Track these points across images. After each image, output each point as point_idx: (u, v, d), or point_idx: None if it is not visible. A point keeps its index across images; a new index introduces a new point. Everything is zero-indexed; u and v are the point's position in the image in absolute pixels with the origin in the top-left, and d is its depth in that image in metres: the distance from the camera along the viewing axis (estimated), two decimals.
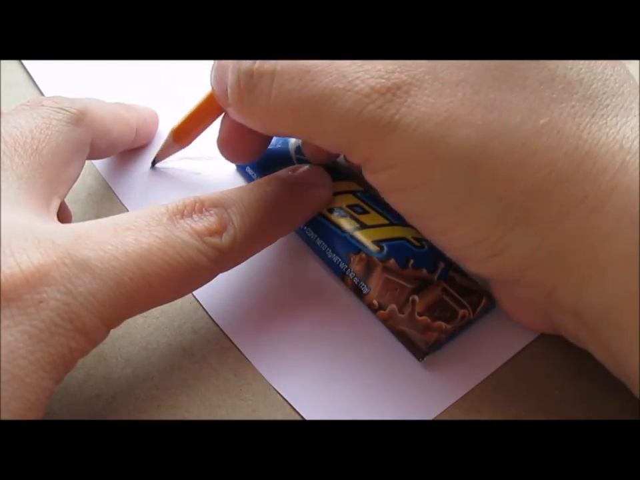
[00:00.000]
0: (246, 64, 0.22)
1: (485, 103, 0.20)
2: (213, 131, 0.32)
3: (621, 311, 0.20)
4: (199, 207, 0.23)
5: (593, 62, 0.21)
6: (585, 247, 0.20)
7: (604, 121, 0.20)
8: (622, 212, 0.20)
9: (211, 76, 0.25)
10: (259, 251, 0.25)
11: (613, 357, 0.21)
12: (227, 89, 0.24)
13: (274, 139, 0.31)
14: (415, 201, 0.22)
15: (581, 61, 0.21)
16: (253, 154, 0.28)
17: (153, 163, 0.31)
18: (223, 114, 0.27)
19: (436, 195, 0.22)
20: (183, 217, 0.23)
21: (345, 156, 0.24)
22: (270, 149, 0.30)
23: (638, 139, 0.20)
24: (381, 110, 0.21)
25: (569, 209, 0.20)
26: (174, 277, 0.22)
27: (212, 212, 0.23)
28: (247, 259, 0.25)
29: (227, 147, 0.27)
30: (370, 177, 0.23)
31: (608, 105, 0.21)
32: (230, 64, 0.23)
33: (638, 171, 0.20)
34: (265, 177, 0.26)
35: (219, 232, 0.23)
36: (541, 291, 0.22)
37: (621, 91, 0.21)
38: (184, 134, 0.29)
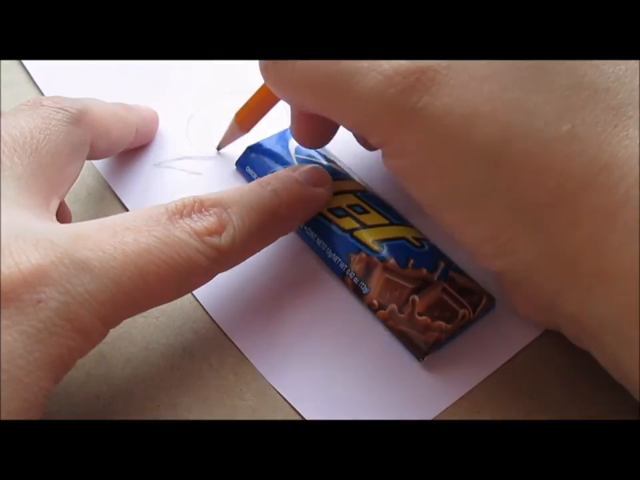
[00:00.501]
0: None
1: (511, 102, 0.20)
2: (214, 130, 0.32)
3: (626, 323, 0.20)
4: (198, 207, 0.23)
5: (622, 70, 0.21)
6: (594, 256, 0.20)
7: (625, 133, 0.20)
8: (633, 225, 0.20)
9: None
10: (258, 251, 0.25)
11: (615, 364, 0.22)
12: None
13: (274, 139, 0.31)
14: (431, 191, 0.22)
15: (610, 69, 0.21)
16: (323, 138, 0.28)
17: (218, 149, 0.32)
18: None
19: (452, 189, 0.22)
20: (182, 216, 0.23)
21: (364, 139, 0.24)
22: (270, 149, 0.30)
23: None
24: (404, 95, 0.21)
25: (582, 219, 0.20)
26: (173, 276, 0.22)
27: (211, 212, 0.23)
28: (247, 258, 0.25)
29: (298, 133, 0.28)
30: (388, 162, 0.23)
31: (632, 117, 0.21)
32: None
33: None
34: (265, 177, 0.26)
35: (218, 232, 0.23)
36: (545, 294, 0.22)
37: None
38: (246, 118, 0.30)
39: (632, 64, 0.22)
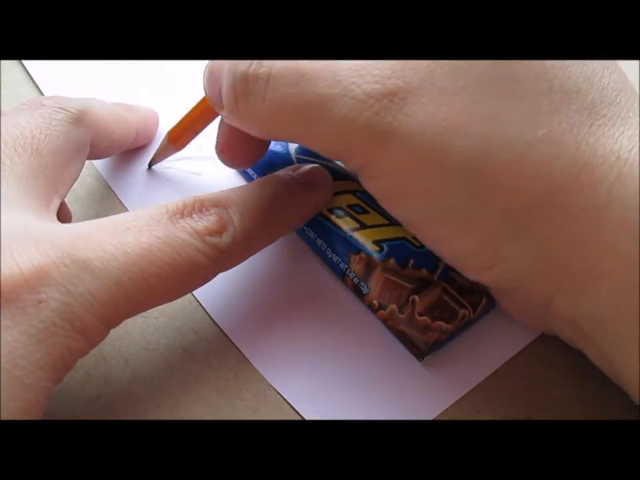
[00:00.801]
0: (242, 67, 0.22)
1: (484, 114, 0.20)
2: (214, 131, 0.32)
3: (620, 321, 0.20)
4: (198, 207, 0.23)
5: (590, 70, 0.21)
6: (583, 257, 0.20)
7: (601, 132, 0.20)
8: (620, 223, 0.20)
9: (203, 79, 0.25)
10: (258, 251, 0.25)
11: (610, 364, 0.22)
12: (219, 93, 0.24)
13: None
14: (413, 209, 0.22)
15: (579, 70, 0.21)
16: (252, 159, 0.28)
17: (150, 165, 0.31)
18: (220, 119, 0.27)
19: (434, 205, 0.22)
20: (183, 216, 0.23)
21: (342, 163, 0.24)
22: (270, 149, 0.30)
23: (636, 149, 0.20)
24: (377, 117, 0.21)
25: (568, 221, 0.20)
26: (174, 276, 0.22)
27: (212, 211, 0.23)
28: (247, 258, 0.25)
29: (226, 152, 0.27)
30: (367, 184, 0.23)
31: (605, 115, 0.21)
32: (225, 66, 0.23)
33: (635, 182, 0.20)
34: (266, 177, 0.26)
35: (218, 231, 0.23)
36: (538, 299, 0.22)
37: (618, 99, 0.21)
38: (179, 136, 0.29)
39: (598, 63, 0.22)
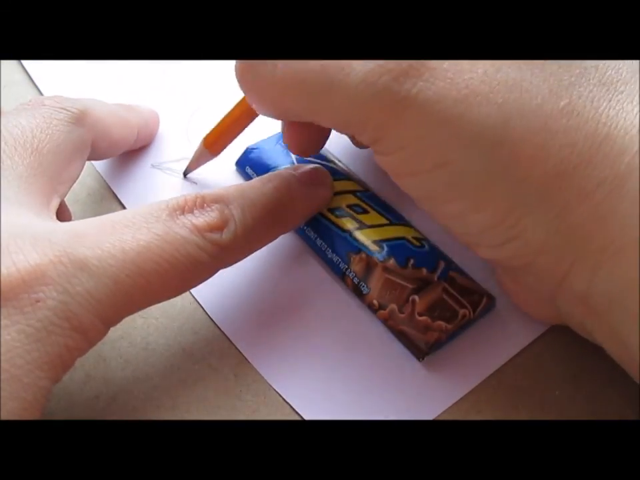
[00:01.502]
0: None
1: (506, 82, 0.20)
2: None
3: (634, 295, 0.20)
4: (200, 203, 0.23)
5: None
6: (602, 230, 0.20)
7: (620, 106, 0.21)
8: (637, 197, 0.20)
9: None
10: (259, 248, 0.25)
11: (622, 344, 0.21)
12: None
13: (274, 139, 0.31)
14: (428, 183, 0.22)
15: None
16: (316, 145, 0.28)
17: (185, 174, 0.31)
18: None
19: (451, 177, 0.21)
20: (183, 212, 0.22)
21: (353, 137, 0.23)
22: (270, 149, 0.30)
23: None
24: (397, 83, 0.20)
25: (588, 192, 0.20)
26: (173, 274, 0.22)
27: (213, 207, 0.23)
28: (247, 255, 0.25)
29: (290, 144, 0.27)
30: (380, 160, 0.23)
31: (623, 92, 0.21)
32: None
33: None
34: (267, 174, 0.26)
35: (219, 227, 0.23)
36: (552, 277, 0.22)
37: (633, 80, 0.21)
38: (216, 142, 0.29)
39: None
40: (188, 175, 0.31)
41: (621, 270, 0.20)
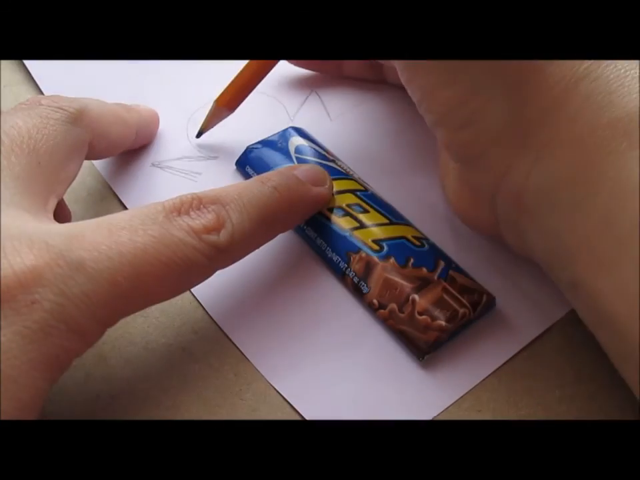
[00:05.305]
0: None
1: None
2: (214, 130, 0.32)
3: (562, 190, 0.21)
4: (196, 204, 0.23)
5: None
6: (549, 124, 0.22)
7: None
8: (588, 95, 0.21)
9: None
10: (257, 248, 0.25)
11: (548, 241, 0.22)
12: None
13: (274, 139, 0.31)
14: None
15: None
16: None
17: (199, 134, 0.31)
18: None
19: None
20: (180, 214, 0.22)
21: None
22: (270, 149, 0.30)
23: None
24: None
25: (546, 87, 0.22)
26: (170, 275, 0.22)
27: (210, 209, 0.23)
28: (245, 256, 0.25)
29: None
30: None
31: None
32: None
33: (611, 62, 0.21)
34: (265, 174, 0.26)
35: (216, 229, 0.23)
36: (496, 171, 0.23)
37: None
38: (230, 97, 0.30)
39: None
40: (200, 137, 0.32)
41: (555, 165, 0.21)
